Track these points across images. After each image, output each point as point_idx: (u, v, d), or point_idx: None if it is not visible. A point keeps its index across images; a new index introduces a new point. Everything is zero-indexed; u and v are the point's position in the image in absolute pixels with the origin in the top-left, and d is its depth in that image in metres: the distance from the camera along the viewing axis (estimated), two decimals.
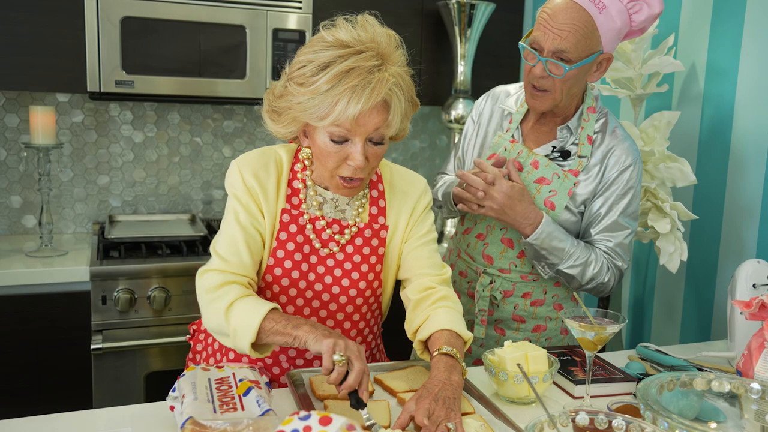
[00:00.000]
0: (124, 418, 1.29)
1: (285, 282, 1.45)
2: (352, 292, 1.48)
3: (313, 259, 1.46)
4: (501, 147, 1.78)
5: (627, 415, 1.08)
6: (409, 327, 1.48)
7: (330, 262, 1.47)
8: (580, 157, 1.72)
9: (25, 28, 2.34)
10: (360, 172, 1.37)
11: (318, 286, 1.47)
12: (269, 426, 1.15)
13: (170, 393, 1.29)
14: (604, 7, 1.57)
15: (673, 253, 2.12)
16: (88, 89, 2.40)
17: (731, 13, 2.17)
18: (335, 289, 1.47)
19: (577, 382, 1.48)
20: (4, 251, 2.47)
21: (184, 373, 1.33)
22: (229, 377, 1.32)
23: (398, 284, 1.58)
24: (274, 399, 1.36)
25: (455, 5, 2.77)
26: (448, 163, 1.99)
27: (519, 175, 1.70)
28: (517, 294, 1.78)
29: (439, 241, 2.91)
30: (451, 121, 2.91)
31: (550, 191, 1.71)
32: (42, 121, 2.39)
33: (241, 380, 1.30)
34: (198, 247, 2.55)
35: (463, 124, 2.10)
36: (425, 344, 1.44)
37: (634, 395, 1.47)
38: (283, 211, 1.45)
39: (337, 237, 1.47)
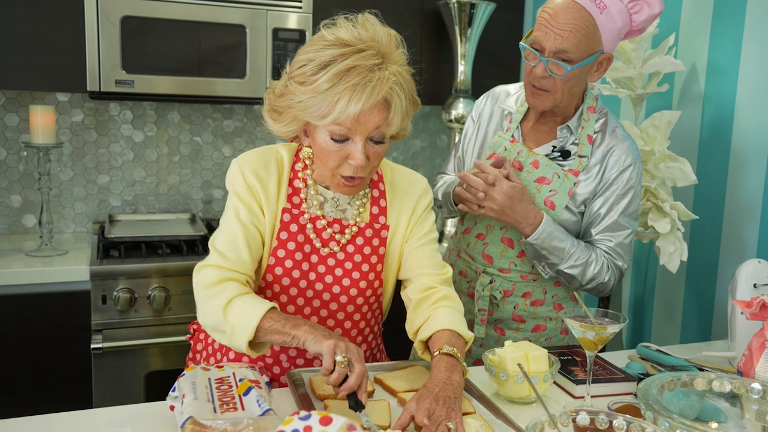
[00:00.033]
0: (124, 418, 1.29)
1: (286, 281, 1.45)
2: (353, 291, 1.48)
3: (314, 258, 1.46)
4: (501, 147, 1.78)
5: (628, 415, 1.08)
6: (410, 327, 1.48)
7: (331, 262, 1.47)
8: (580, 156, 1.72)
9: (25, 27, 2.34)
10: (361, 171, 1.37)
11: (319, 286, 1.47)
12: (269, 426, 1.14)
13: (170, 393, 1.29)
14: (605, 7, 1.57)
15: (673, 253, 2.12)
16: (88, 88, 2.40)
17: (732, 13, 2.17)
18: (336, 289, 1.47)
19: (577, 382, 1.48)
20: (4, 251, 2.47)
21: (184, 372, 1.33)
22: (229, 377, 1.32)
23: (399, 284, 1.58)
24: (274, 399, 1.36)
25: (455, 5, 2.77)
26: (448, 162, 1.99)
27: (518, 176, 1.70)
28: (517, 294, 1.78)
29: (440, 240, 2.91)
30: (451, 121, 2.91)
31: (550, 191, 1.71)
32: (42, 121, 2.39)
33: (241, 380, 1.30)
34: (198, 247, 2.55)
35: (464, 123, 2.10)
36: (426, 344, 1.43)
37: (635, 395, 1.47)
38: (284, 210, 1.44)
39: (337, 236, 1.47)
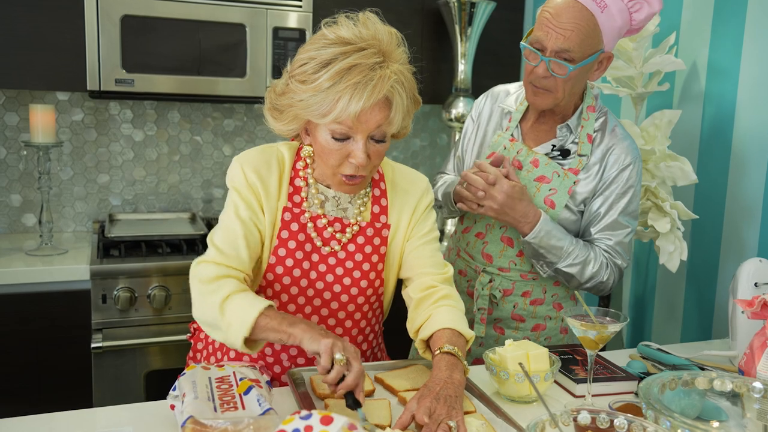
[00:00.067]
0: (125, 417, 1.29)
1: (286, 280, 1.45)
2: (354, 290, 1.48)
3: (315, 257, 1.46)
4: (500, 146, 1.78)
5: (629, 414, 1.08)
6: (410, 326, 1.48)
7: (332, 261, 1.47)
8: (579, 155, 1.72)
9: (24, 26, 2.34)
10: (362, 169, 1.36)
11: (319, 285, 1.46)
12: (270, 425, 1.14)
13: (170, 392, 1.29)
14: (606, 6, 1.57)
15: (673, 253, 2.12)
16: (88, 88, 2.40)
17: (732, 12, 2.17)
18: (337, 288, 1.47)
19: (578, 381, 1.48)
20: (3, 250, 2.47)
21: (184, 371, 1.33)
22: (229, 376, 1.31)
23: (400, 283, 1.58)
24: (274, 398, 1.36)
25: (456, 4, 2.77)
26: (448, 162, 1.99)
27: (517, 175, 1.70)
28: (516, 293, 1.78)
29: (440, 239, 2.91)
30: (451, 120, 2.91)
31: (550, 190, 1.71)
32: (42, 120, 2.38)
33: (241, 379, 1.29)
34: (198, 246, 2.55)
35: (464, 122, 2.10)
36: (427, 343, 1.43)
37: (636, 394, 1.47)
38: (285, 209, 1.44)
39: (338, 235, 1.47)
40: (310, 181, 1.47)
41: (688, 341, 2.31)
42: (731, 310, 1.70)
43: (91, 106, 2.78)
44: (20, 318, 2.25)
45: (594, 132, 1.73)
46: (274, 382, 1.50)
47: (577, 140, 1.73)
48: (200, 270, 1.36)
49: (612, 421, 1.07)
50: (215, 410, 1.19)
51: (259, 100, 2.65)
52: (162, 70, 2.46)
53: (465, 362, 1.35)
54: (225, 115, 2.98)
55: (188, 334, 1.71)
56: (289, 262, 1.44)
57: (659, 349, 1.68)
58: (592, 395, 1.44)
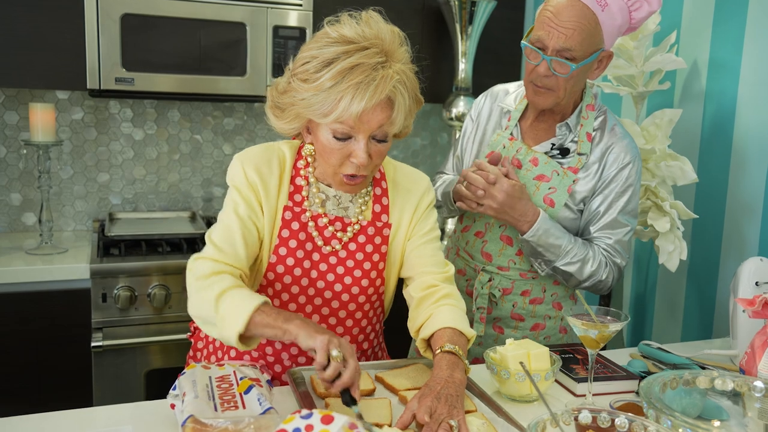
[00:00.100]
0: (125, 416, 1.28)
1: (287, 279, 1.44)
2: (355, 289, 1.47)
3: (316, 256, 1.46)
4: (500, 145, 1.78)
5: (630, 414, 1.08)
6: (411, 325, 1.47)
7: (332, 260, 1.46)
8: (579, 154, 1.71)
9: (24, 25, 2.33)
10: (363, 169, 1.36)
11: (320, 284, 1.46)
12: (270, 424, 1.14)
13: (171, 391, 1.28)
14: (606, 4, 1.57)
15: (673, 252, 2.12)
16: (88, 86, 2.40)
17: (733, 10, 2.16)
18: (338, 287, 1.47)
19: (579, 380, 1.48)
20: (3, 249, 2.46)
21: (184, 371, 1.33)
22: (230, 375, 1.31)
23: (401, 282, 1.58)
24: (275, 397, 1.36)
25: (456, 2, 2.77)
26: (447, 162, 1.99)
27: (516, 174, 1.69)
28: (515, 292, 1.78)
29: (441, 239, 2.90)
30: (452, 119, 2.91)
31: (549, 188, 1.71)
32: (42, 119, 2.38)
33: (242, 378, 1.29)
34: (198, 245, 2.55)
35: (464, 121, 2.10)
36: (428, 342, 1.43)
37: (637, 393, 1.47)
38: (286, 208, 1.44)
39: (339, 234, 1.47)
40: (311, 179, 1.47)
41: (689, 340, 2.30)
42: (732, 309, 1.70)
43: (91, 105, 2.78)
44: (20, 317, 2.25)
45: (593, 131, 1.73)
46: (275, 381, 1.50)
47: (576, 139, 1.73)
48: (197, 266, 1.36)
49: (613, 421, 1.07)
50: (216, 409, 1.19)
51: (260, 98, 2.66)
52: (162, 69, 2.46)
53: (466, 361, 1.35)
54: (225, 114, 2.98)
55: (188, 333, 1.70)
56: (290, 261, 1.44)
57: (660, 348, 1.67)
58: (593, 394, 1.44)
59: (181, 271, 2.38)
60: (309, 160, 1.47)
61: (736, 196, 2.17)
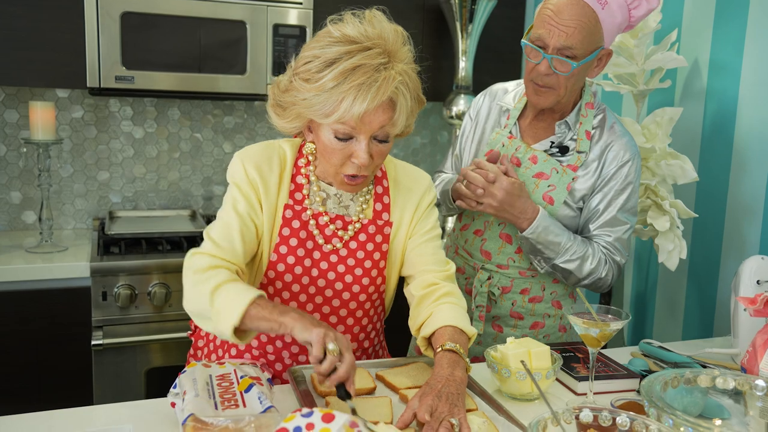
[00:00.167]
0: (125, 415, 1.28)
1: (288, 278, 1.44)
2: (356, 288, 1.47)
3: (317, 255, 1.45)
4: (499, 143, 1.78)
5: (631, 412, 1.08)
6: (412, 323, 1.47)
7: (333, 258, 1.46)
8: (578, 152, 1.71)
9: (24, 23, 2.33)
10: (364, 169, 1.36)
11: (321, 282, 1.46)
12: (271, 423, 1.14)
13: (171, 389, 1.28)
14: (606, 2, 1.57)
15: (672, 251, 2.11)
16: (88, 85, 2.39)
17: (734, 9, 2.16)
18: (338, 285, 1.47)
19: (580, 379, 1.48)
20: (3, 247, 2.46)
21: (185, 369, 1.33)
22: (230, 374, 1.31)
23: (401, 280, 1.58)
24: (275, 395, 1.36)
25: (457, 1, 2.76)
26: (446, 161, 1.99)
27: (516, 172, 1.69)
28: (515, 290, 1.78)
29: (442, 237, 2.90)
30: (452, 117, 2.91)
31: (548, 186, 1.71)
32: (42, 117, 2.38)
33: (242, 377, 1.29)
34: (198, 243, 2.52)
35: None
36: (429, 341, 1.43)
37: (638, 392, 1.46)
38: (286, 206, 1.44)
39: (340, 233, 1.46)
40: (312, 178, 1.46)
41: (690, 339, 2.30)
42: (733, 308, 1.70)
43: (91, 104, 2.77)
44: (20, 316, 2.25)
45: (592, 129, 1.73)
46: (275, 379, 1.50)
47: (575, 137, 1.73)
48: (194, 261, 1.35)
49: (614, 419, 1.07)
50: (216, 408, 1.18)
51: (260, 97, 2.66)
52: (162, 67, 2.46)
53: (467, 360, 1.35)
54: (225, 113, 2.98)
55: (189, 332, 1.70)
56: (291, 259, 1.44)
57: (661, 347, 1.67)
58: (594, 393, 1.43)
59: (181, 270, 2.37)
60: (310, 158, 1.47)
61: (737, 196, 2.16)
